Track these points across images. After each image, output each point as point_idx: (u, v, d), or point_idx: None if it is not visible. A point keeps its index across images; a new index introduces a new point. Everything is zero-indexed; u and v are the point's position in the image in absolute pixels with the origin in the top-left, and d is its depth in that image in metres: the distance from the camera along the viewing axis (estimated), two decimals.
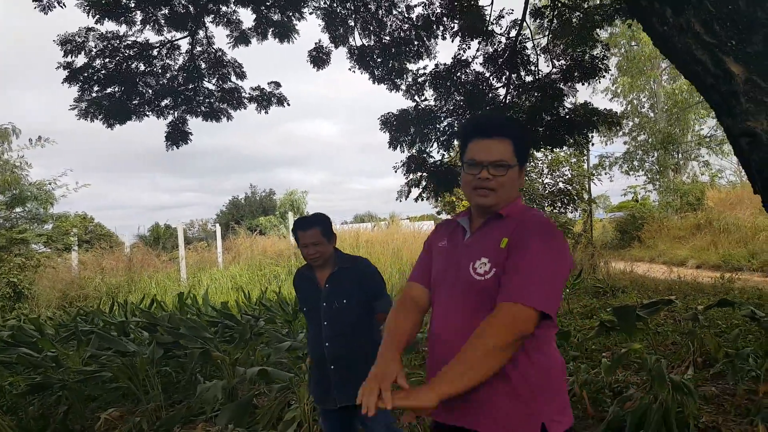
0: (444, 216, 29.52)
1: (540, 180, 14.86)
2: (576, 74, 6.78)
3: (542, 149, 8.63)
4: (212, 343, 4.54)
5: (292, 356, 4.48)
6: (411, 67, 7.09)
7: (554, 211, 14.41)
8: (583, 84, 6.91)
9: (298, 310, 2.80)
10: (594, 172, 17.32)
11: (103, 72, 6.29)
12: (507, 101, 6.94)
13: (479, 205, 1.59)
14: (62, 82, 6.22)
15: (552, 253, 1.44)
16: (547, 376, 1.47)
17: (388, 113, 6.90)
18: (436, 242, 1.73)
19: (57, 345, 4.79)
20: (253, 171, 76.77)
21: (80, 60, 6.27)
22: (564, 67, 6.88)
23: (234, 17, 6.72)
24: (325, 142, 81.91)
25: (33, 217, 11.92)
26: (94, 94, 6.29)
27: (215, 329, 5.52)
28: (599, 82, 7.14)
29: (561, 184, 14.72)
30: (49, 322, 6.52)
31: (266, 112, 7.10)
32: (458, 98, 6.93)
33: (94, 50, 6.28)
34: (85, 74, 6.24)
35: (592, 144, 8.11)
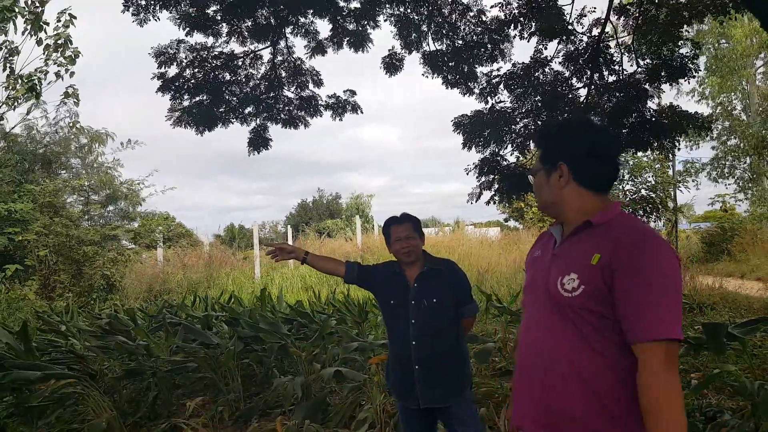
0: (512, 223, 28.77)
1: (620, 187, 14.16)
2: (663, 74, 6.48)
3: (624, 153, 8.30)
4: (289, 339, 4.75)
5: (363, 357, 4.61)
6: (485, 69, 7.07)
7: None
8: (670, 84, 6.61)
9: (377, 303, 2.85)
10: (680, 179, 16.31)
11: (192, 81, 6.73)
12: (588, 101, 6.75)
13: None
14: (156, 92, 6.71)
15: (667, 268, 1.35)
16: None
17: (462, 115, 6.89)
18: (532, 254, 1.71)
19: (148, 335, 5.17)
20: (318, 175, 78.91)
21: (172, 70, 6.76)
22: (650, 66, 6.59)
23: (312, 28, 6.99)
24: (386, 147, 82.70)
25: (123, 215, 12.90)
26: (185, 103, 6.74)
27: (290, 327, 5.76)
28: (688, 83, 6.79)
29: (644, 191, 14.01)
30: (139, 314, 7.04)
31: (340, 119, 7.31)
32: (536, 99, 6.82)
33: (185, 61, 6.74)
34: (177, 84, 6.70)
35: (678, 149, 7.69)
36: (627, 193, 14.11)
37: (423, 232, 2.72)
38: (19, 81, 11.76)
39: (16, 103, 12.06)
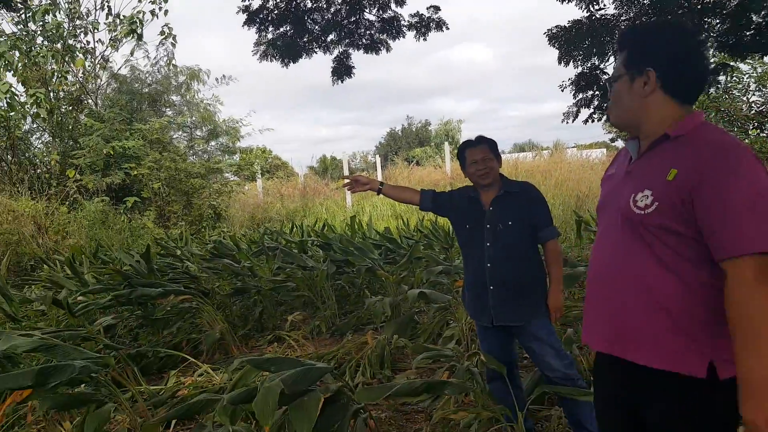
0: (619, 143, 26.89)
1: (744, 98, 12.41)
2: None
3: (749, 59, 7.26)
4: (377, 262, 4.93)
5: (449, 280, 4.70)
6: None
7: (762, 135, 12.20)
8: None
9: (453, 229, 2.88)
10: None
11: (275, 12, 6.77)
12: (704, 1, 5.95)
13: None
14: (242, 25, 6.85)
15: (757, 179, 1.24)
16: (718, 312, 1.32)
17: (557, 26, 6.38)
18: (607, 172, 1.64)
19: (251, 258, 5.60)
20: (406, 102, 77.98)
21: (256, 2, 6.82)
22: None
23: None
24: (478, 68, 79.08)
25: (225, 150, 13.70)
26: (269, 36, 6.83)
27: (379, 251, 5.97)
28: None
29: None
30: (243, 239, 7.60)
31: (424, 39, 7.05)
32: (644, 2, 6.12)
33: None
34: (261, 15, 6.77)
35: None
36: (752, 105, 12.49)
37: (500, 155, 2.66)
38: (118, 22, 12.49)
39: (118, 45, 12.90)
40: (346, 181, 2.79)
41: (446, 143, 15.94)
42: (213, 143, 13.47)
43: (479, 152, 2.57)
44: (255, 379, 3.23)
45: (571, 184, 11.96)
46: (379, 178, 15.88)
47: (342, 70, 7.09)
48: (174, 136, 13.06)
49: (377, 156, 17.87)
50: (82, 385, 2.92)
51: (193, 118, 13.22)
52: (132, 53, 13.13)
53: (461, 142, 2.70)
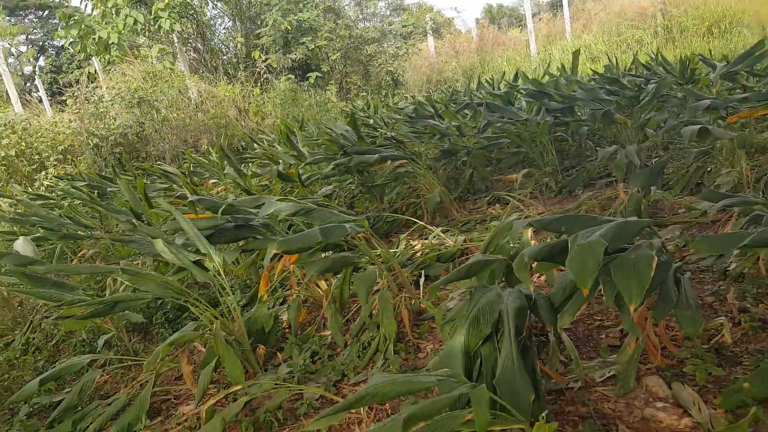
0: None
1: None
2: None
3: None
4: (611, 104, 4.18)
5: (713, 117, 3.80)
6: None
7: None
8: None
9: None
10: None
11: None
12: None
13: None
14: None
15: None
16: None
17: None
18: None
19: (455, 116, 5.20)
20: None
21: None
22: None
23: None
24: None
25: (394, 8, 13.02)
26: None
27: None
28: None
29: None
30: (436, 103, 7.20)
31: None
32: None
33: None
34: None
35: None
36: None
37: None
38: None
39: None
40: None
41: None
42: (381, 3, 12.86)
43: None
44: (506, 240, 2.97)
45: None
46: (566, 16, 13.90)
47: None
48: (344, 4, 12.69)
49: None
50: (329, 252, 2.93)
51: None
52: None
53: None
